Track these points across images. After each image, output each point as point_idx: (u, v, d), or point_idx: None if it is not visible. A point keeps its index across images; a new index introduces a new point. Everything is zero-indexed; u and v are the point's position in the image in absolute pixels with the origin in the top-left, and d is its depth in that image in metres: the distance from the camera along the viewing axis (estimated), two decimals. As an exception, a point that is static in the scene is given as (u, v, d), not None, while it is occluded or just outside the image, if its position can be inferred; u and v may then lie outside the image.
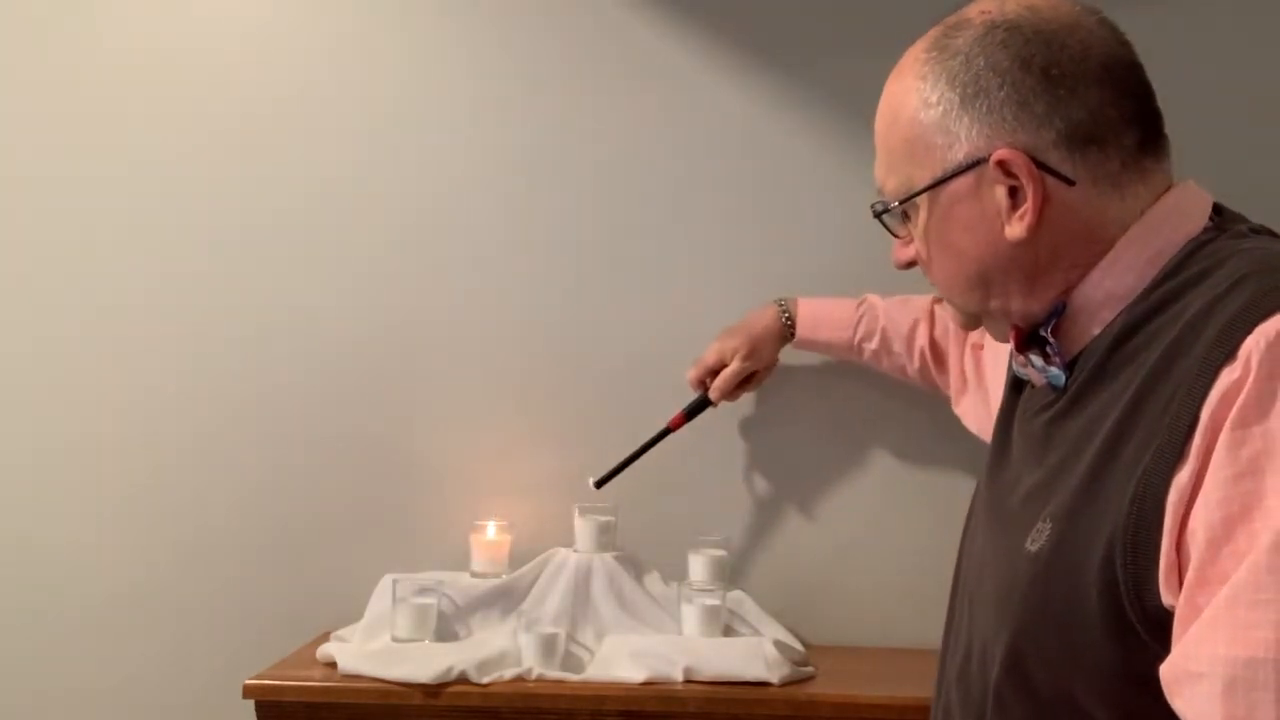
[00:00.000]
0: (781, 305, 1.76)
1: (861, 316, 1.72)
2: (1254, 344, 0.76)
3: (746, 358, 1.74)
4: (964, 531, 1.10)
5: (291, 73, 1.92)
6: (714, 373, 1.76)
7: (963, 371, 1.62)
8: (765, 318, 1.76)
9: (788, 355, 1.81)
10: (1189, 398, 0.78)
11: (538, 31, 1.90)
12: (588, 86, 1.90)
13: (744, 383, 1.77)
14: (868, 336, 1.71)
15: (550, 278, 1.90)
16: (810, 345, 1.77)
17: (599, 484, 1.77)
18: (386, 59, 1.92)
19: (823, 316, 1.74)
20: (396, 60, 1.92)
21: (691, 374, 1.77)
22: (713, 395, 1.76)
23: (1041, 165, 0.90)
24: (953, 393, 1.66)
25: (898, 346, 1.70)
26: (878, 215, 1.03)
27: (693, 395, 1.78)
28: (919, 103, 0.95)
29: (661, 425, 1.78)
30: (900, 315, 1.70)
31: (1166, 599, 0.77)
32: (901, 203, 0.99)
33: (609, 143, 1.90)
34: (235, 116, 1.92)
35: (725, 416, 1.85)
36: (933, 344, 1.68)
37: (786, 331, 1.76)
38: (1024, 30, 0.92)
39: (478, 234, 1.91)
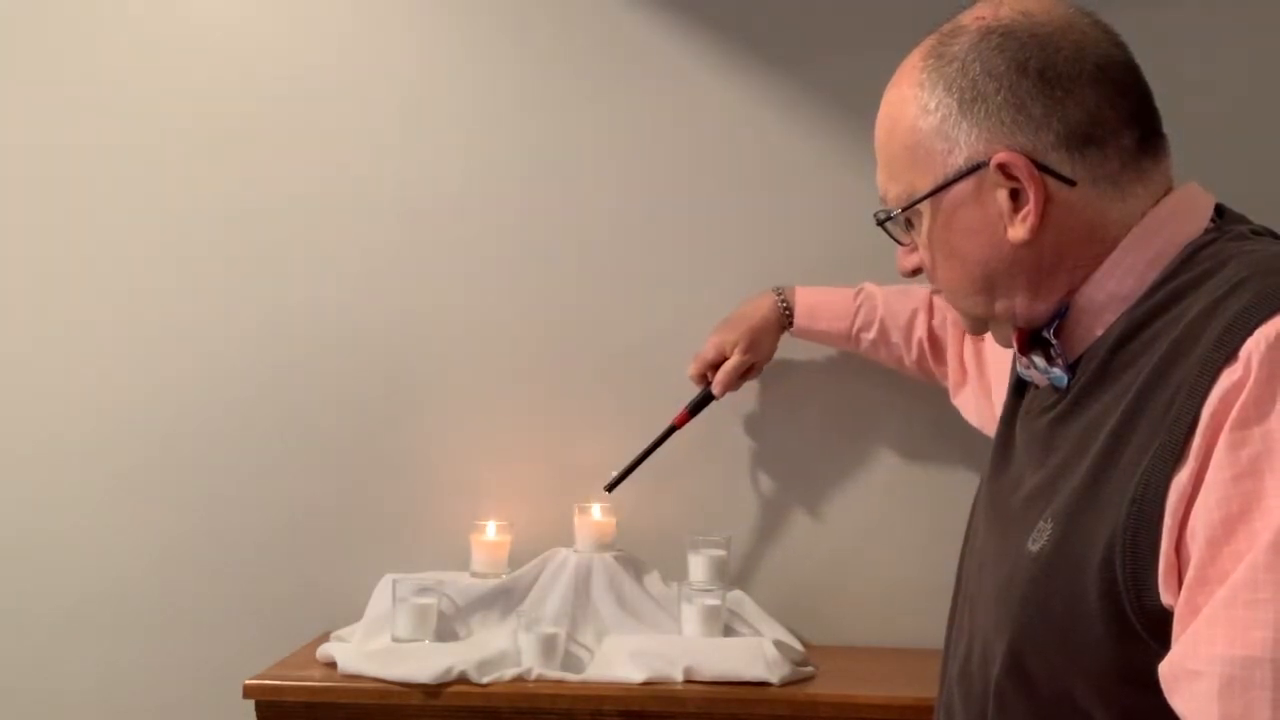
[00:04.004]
0: (779, 294, 1.75)
1: (859, 306, 1.71)
2: (1254, 345, 0.76)
3: (746, 350, 1.73)
4: (966, 531, 1.10)
5: (299, 69, 1.92)
6: (714, 366, 1.75)
7: (962, 363, 1.61)
8: (763, 307, 1.75)
9: (788, 353, 1.81)
10: (1190, 398, 0.78)
11: (544, 29, 1.90)
12: (590, 85, 1.90)
13: (744, 375, 1.76)
14: (866, 326, 1.71)
15: (551, 278, 1.90)
16: (808, 335, 1.76)
17: (609, 487, 1.77)
18: (394, 56, 1.92)
19: (821, 306, 1.74)
20: (403, 58, 1.92)
21: (692, 369, 1.77)
22: (715, 390, 1.75)
23: (1042, 166, 0.91)
24: (951, 384, 1.66)
25: (895, 337, 1.69)
26: (881, 224, 1.04)
27: (693, 390, 1.78)
28: (917, 110, 0.96)
29: (664, 424, 1.78)
30: (899, 305, 1.69)
31: (1166, 599, 0.78)
32: (904, 210, 0.99)
33: (610, 142, 1.90)
34: (243, 112, 1.92)
35: (725, 416, 1.85)
36: (931, 335, 1.67)
37: (784, 321, 1.75)
38: (1019, 34, 0.92)
39: (479, 234, 1.91)
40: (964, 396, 1.62)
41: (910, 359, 1.70)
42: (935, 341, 1.67)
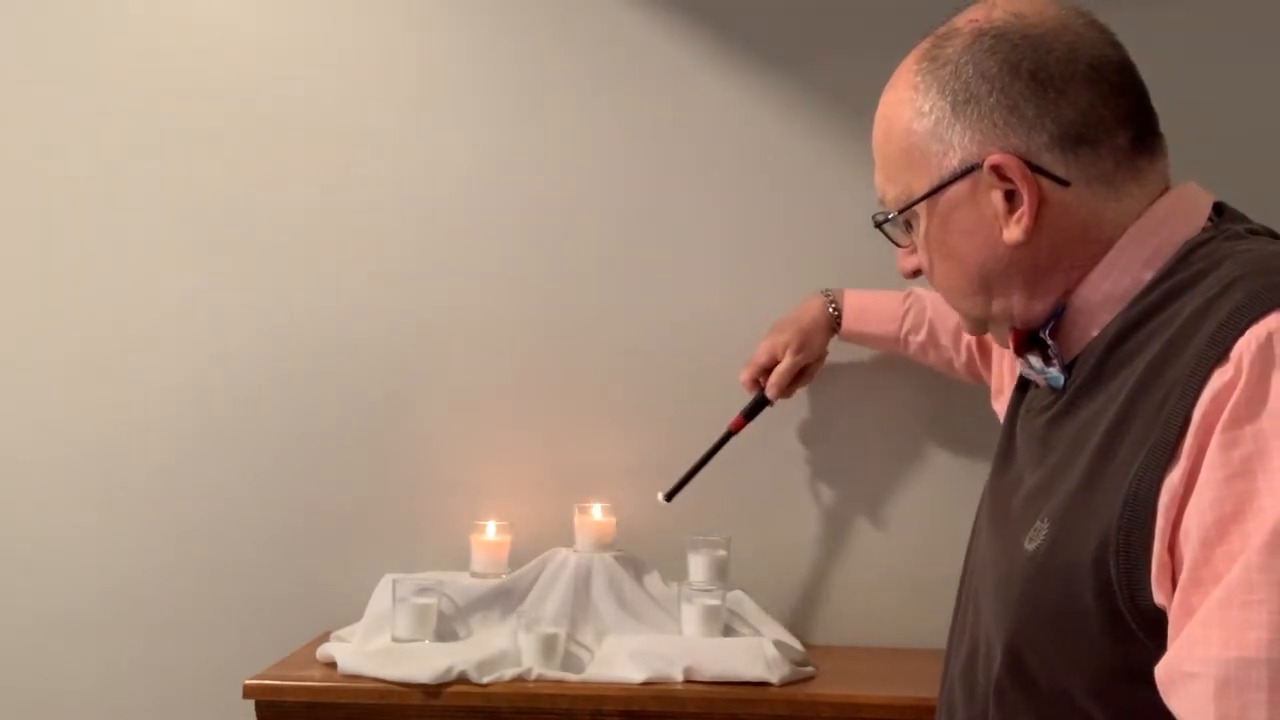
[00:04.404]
0: (828, 296, 1.75)
1: (909, 309, 1.70)
2: (1245, 345, 0.76)
3: (798, 351, 1.72)
4: (972, 530, 1.10)
5: (302, 75, 1.92)
6: (767, 371, 1.74)
7: (1002, 369, 1.60)
8: (813, 309, 1.75)
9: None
10: (1181, 398, 0.78)
11: (545, 29, 1.90)
12: (591, 85, 1.90)
13: (798, 377, 1.76)
14: (915, 329, 1.70)
15: (551, 278, 1.90)
16: (856, 337, 1.76)
17: (668, 497, 1.76)
18: (394, 58, 1.92)
19: (870, 308, 1.73)
20: (404, 60, 1.92)
21: (744, 375, 1.76)
22: (769, 393, 1.74)
23: (1035, 168, 0.91)
24: (993, 390, 1.62)
25: (945, 340, 1.68)
26: (879, 225, 1.04)
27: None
28: (912, 113, 0.96)
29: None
30: (947, 308, 1.66)
31: (1158, 598, 0.78)
32: (901, 211, 1.00)
33: (610, 143, 1.90)
34: (247, 117, 1.92)
35: (725, 417, 1.85)
36: (981, 340, 1.64)
37: (833, 322, 1.74)
38: (1011, 36, 0.93)
39: (478, 235, 1.91)
40: (1001, 402, 1.60)
41: (960, 362, 1.68)
42: (984, 345, 1.64)
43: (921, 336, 1.69)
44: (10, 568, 1.91)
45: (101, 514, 1.91)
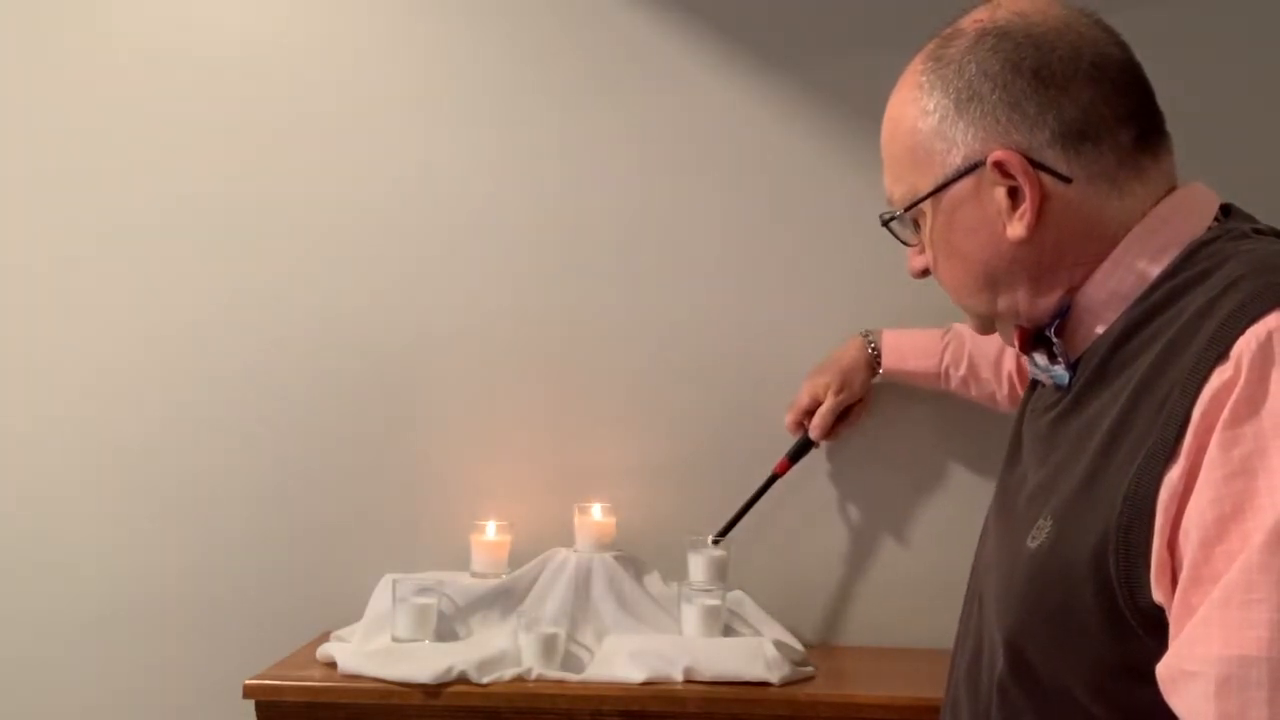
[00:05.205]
0: (867, 337, 1.76)
1: (947, 344, 1.70)
2: (1246, 345, 0.77)
3: (839, 391, 1.73)
4: (982, 529, 1.11)
5: (301, 79, 1.92)
6: (810, 413, 1.76)
7: None
8: (851, 350, 1.76)
9: (794, 358, 1.81)
10: (1181, 397, 0.78)
11: (550, 31, 1.90)
12: (594, 85, 1.90)
13: (842, 419, 1.77)
14: (955, 363, 1.70)
15: (551, 278, 1.90)
16: (898, 375, 1.76)
17: (716, 539, 1.77)
18: (395, 62, 1.92)
19: (908, 345, 1.74)
20: (405, 63, 1.92)
21: (788, 418, 1.78)
22: (813, 434, 1.75)
23: (1037, 164, 0.92)
24: None
25: (985, 373, 1.67)
26: (885, 224, 1.05)
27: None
28: (917, 112, 0.98)
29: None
30: (987, 341, 1.66)
31: (1158, 596, 0.78)
32: (907, 210, 1.01)
33: (610, 143, 1.90)
34: (245, 121, 1.92)
35: (725, 417, 1.85)
36: (1020, 369, 1.63)
37: (873, 362, 1.75)
38: (1014, 35, 0.94)
39: (478, 235, 1.91)
40: None
41: (1002, 394, 1.67)
42: (1025, 375, 1.64)
43: (962, 371, 1.69)
44: (12, 569, 1.91)
45: (103, 515, 1.91)
